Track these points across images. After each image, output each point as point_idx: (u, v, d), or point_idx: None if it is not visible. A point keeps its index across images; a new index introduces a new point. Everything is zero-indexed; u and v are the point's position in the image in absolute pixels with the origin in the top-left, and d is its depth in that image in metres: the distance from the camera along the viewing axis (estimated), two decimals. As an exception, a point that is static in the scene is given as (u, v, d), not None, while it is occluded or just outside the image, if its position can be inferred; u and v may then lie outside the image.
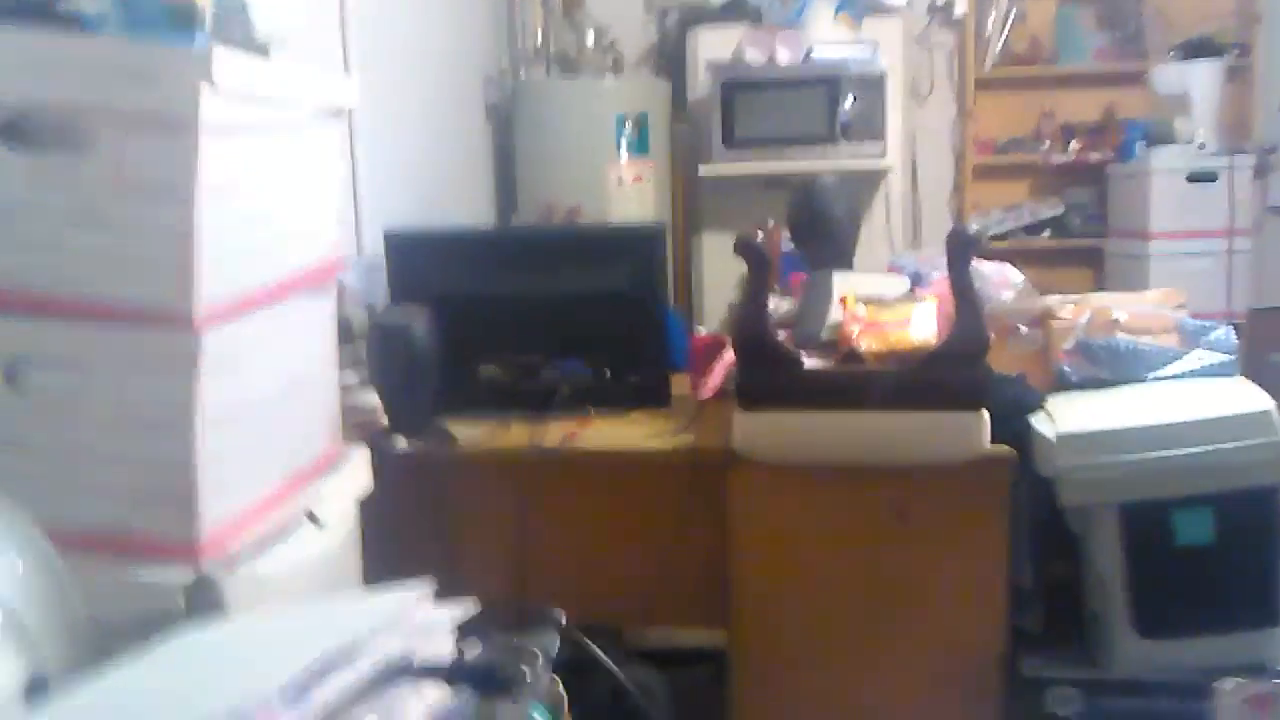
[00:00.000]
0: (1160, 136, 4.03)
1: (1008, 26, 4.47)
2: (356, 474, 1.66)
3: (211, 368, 1.26)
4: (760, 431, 1.75)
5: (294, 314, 1.49)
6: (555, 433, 1.92)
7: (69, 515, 1.22)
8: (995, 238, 4.47)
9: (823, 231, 1.99)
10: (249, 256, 1.36)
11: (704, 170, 3.85)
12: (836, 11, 3.86)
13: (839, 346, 1.76)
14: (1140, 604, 1.81)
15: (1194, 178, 3.92)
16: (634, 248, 2.11)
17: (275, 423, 1.45)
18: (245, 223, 1.34)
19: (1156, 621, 1.82)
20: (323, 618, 0.99)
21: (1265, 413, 1.78)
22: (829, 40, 3.81)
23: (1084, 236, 4.43)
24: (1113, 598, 1.83)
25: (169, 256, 1.23)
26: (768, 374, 1.73)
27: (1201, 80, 3.96)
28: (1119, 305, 1.97)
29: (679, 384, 2.15)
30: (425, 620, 0.86)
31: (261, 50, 1.73)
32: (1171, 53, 4.16)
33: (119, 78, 1.21)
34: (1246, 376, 3.86)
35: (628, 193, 3.79)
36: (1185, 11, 4.41)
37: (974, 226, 1.58)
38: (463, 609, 0.90)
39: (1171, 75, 4.03)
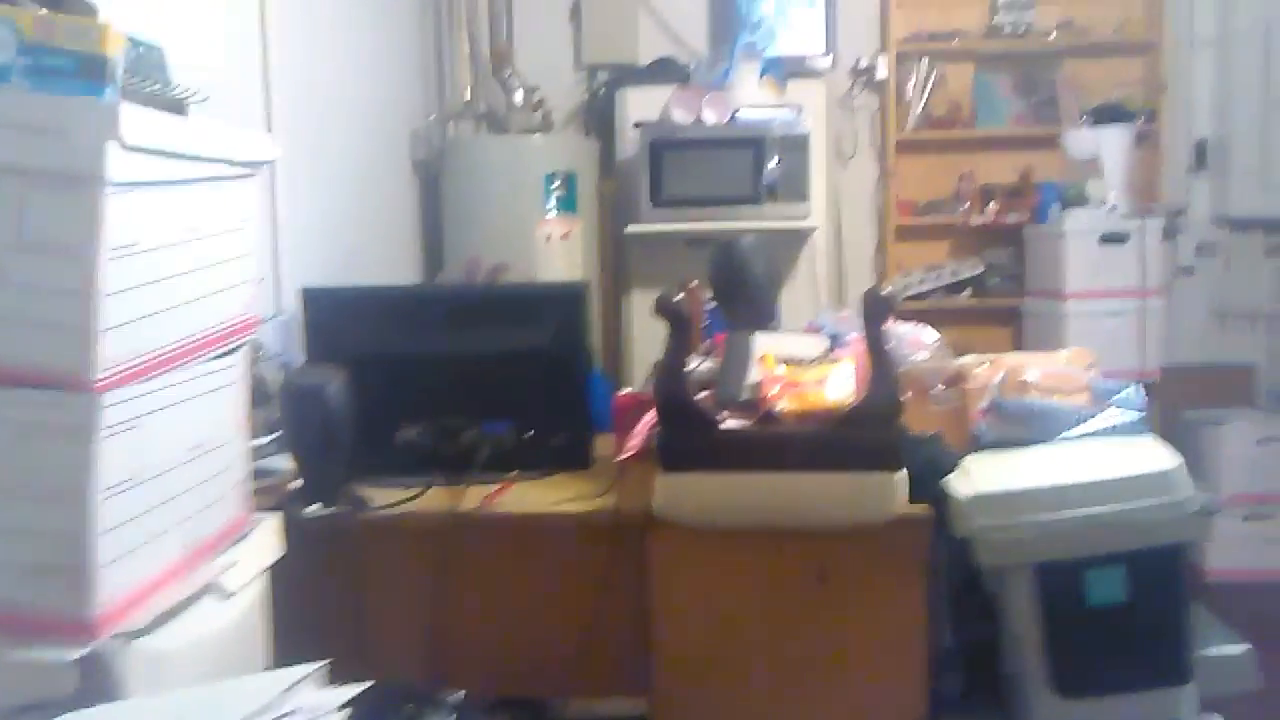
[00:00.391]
0: (1074, 199, 4.17)
1: (928, 91, 4.60)
2: (266, 542, 1.61)
3: (111, 433, 1.22)
4: (680, 493, 1.75)
5: (202, 376, 1.45)
6: (475, 496, 1.89)
7: (-46, 590, 1.16)
8: (917, 297, 4.57)
9: (743, 291, 2.01)
10: (154, 316, 1.32)
11: (632, 229, 3.88)
12: (761, 74, 3.95)
13: (758, 407, 1.76)
14: (1056, 664, 1.83)
15: (1106, 239, 4.05)
16: (557, 307, 2.10)
17: (179, 490, 1.41)
18: (151, 282, 1.31)
19: (1073, 681, 1.84)
20: (209, 703, 0.95)
21: (1173, 472, 1.82)
22: (754, 103, 3.89)
23: (1003, 296, 4.54)
24: (1030, 658, 1.84)
25: (69, 317, 1.19)
26: (687, 435, 1.73)
27: (1112, 145, 4.11)
28: (1031, 365, 2.02)
29: (604, 445, 2.13)
30: (313, 704, 0.83)
31: (178, 104, 1.70)
32: (1083, 118, 4.32)
33: (21, 132, 1.18)
34: (1160, 432, 3.96)
35: (556, 250, 3.79)
36: (1096, 79, 4.59)
37: (888, 288, 1.60)
38: (353, 690, 0.86)
39: (1084, 140, 4.18)
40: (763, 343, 1.89)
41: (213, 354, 1.47)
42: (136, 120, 1.20)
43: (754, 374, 1.82)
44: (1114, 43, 4.55)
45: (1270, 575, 3.78)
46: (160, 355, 1.32)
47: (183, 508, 1.42)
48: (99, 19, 1.35)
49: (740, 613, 1.82)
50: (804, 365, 1.80)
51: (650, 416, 1.90)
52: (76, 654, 1.18)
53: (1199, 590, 3.82)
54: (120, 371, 1.23)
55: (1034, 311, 4.40)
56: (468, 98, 4.06)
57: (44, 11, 1.25)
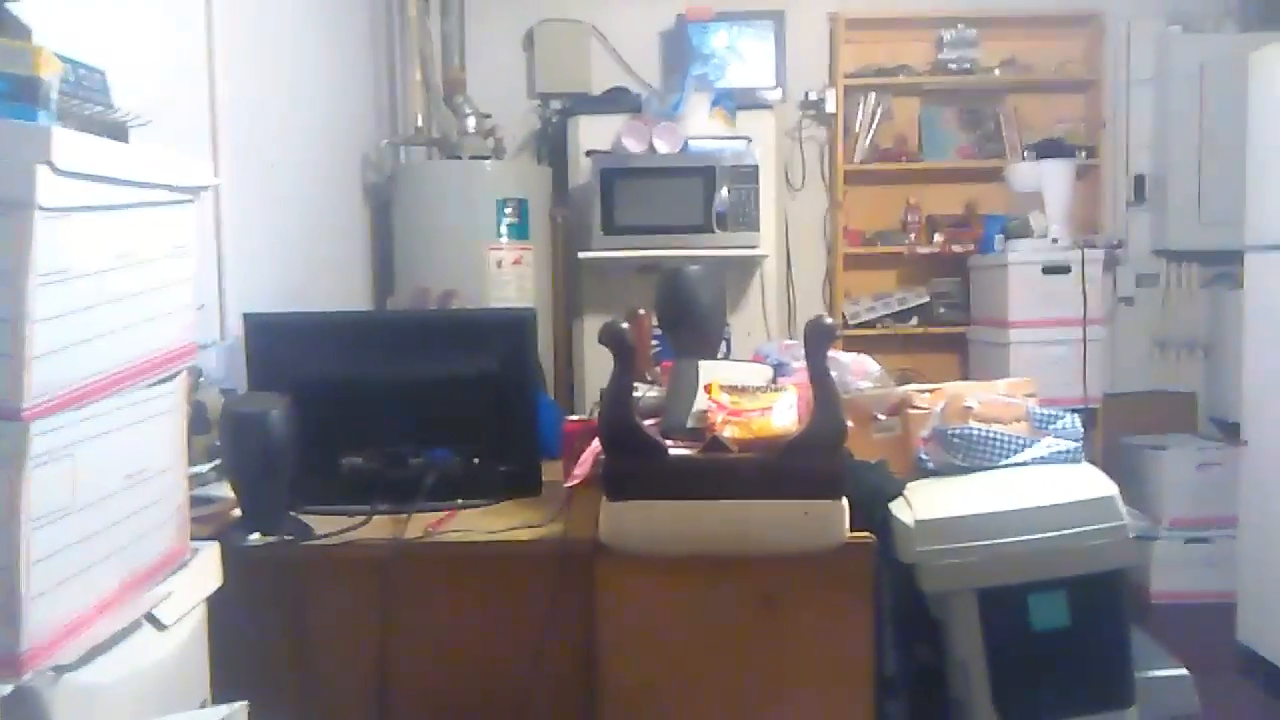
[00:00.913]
0: (1017, 230, 4.25)
1: (875, 123, 4.68)
2: (205, 571, 1.58)
3: (41, 462, 1.19)
4: (626, 521, 1.74)
5: (138, 403, 1.43)
6: (420, 524, 1.87)
7: None
8: (865, 324, 4.63)
9: (689, 319, 2.02)
10: (87, 343, 1.30)
11: (584, 255, 3.89)
12: (712, 106, 3.99)
13: (704, 435, 1.77)
14: (1000, 688, 1.85)
15: (1048, 269, 4.13)
16: (504, 333, 2.09)
17: (114, 519, 1.38)
18: (84, 308, 1.28)
19: (1017, 705, 1.86)
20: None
21: (1110, 498, 1.86)
22: (705, 133, 3.93)
23: (949, 324, 4.62)
24: (974, 683, 1.86)
25: (-3, 344, 1.16)
26: (633, 463, 1.73)
27: (1053, 179, 4.21)
28: (972, 394, 2.05)
29: (553, 471, 2.13)
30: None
31: (119, 128, 1.69)
32: (1026, 153, 4.43)
33: (-52, 155, 1.16)
34: (1103, 457, 4.06)
35: (507, 276, 3.79)
36: (1038, 115, 4.71)
37: (830, 319, 1.62)
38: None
39: (1026, 173, 4.28)
40: (708, 371, 1.89)
41: (149, 381, 1.45)
42: (69, 144, 1.18)
43: (700, 402, 1.83)
44: (1056, 80, 4.67)
45: (1210, 597, 3.85)
46: (93, 383, 1.30)
47: (117, 537, 1.39)
48: (33, 41, 1.33)
49: (686, 640, 1.81)
50: (749, 393, 1.81)
51: (597, 444, 1.90)
52: (4, 689, 1.15)
53: (1142, 613, 3.90)
54: (50, 400, 1.20)
55: (979, 339, 4.48)
56: (420, 124, 4.06)
57: (-24, 33, 1.23)
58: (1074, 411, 2.14)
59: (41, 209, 1.16)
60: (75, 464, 1.27)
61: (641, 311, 2.20)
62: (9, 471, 1.17)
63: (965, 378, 4.44)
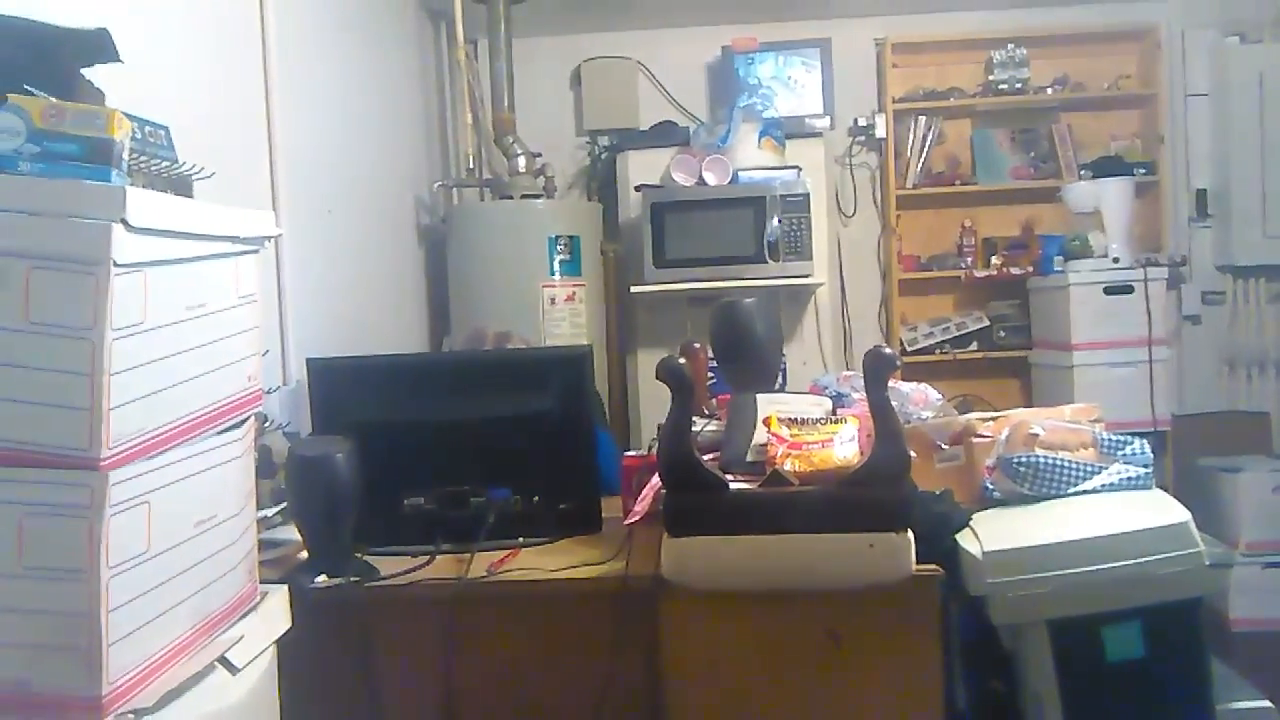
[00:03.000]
0: (1077, 251, 4.19)
1: (927, 147, 4.66)
2: (274, 614, 1.60)
3: (118, 510, 1.22)
4: (688, 557, 1.73)
5: (208, 450, 1.46)
6: (482, 564, 1.88)
7: (-40, 672, 1.16)
8: (923, 350, 4.58)
9: (745, 352, 2.01)
10: (160, 393, 1.33)
11: (636, 289, 3.91)
12: (761, 136, 4.00)
13: (764, 469, 1.76)
14: (1076, 721, 1.81)
15: (1110, 290, 4.06)
16: (560, 371, 2.10)
17: (187, 564, 1.40)
18: (157, 359, 1.32)
19: (1093, 739, 1.81)
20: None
21: (1183, 524, 1.81)
22: (755, 164, 3.94)
23: (1010, 348, 4.55)
24: (1048, 715, 1.82)
25: (75, 398, 1.20)
26: (693, 498, 1.72)
27: (1112, 197, 4.14)
28: (1037, 421, 2.01)
29: (612, 507, 2.13)
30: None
31: (185, 182, 1.74)
32: (1083, 171, 4.37)
33: (28, 217, 1.20)
34: (1175, 481, 3.95)
35: (561, 313, 3.82)
36: (1093, 132, 4.65)
37: (887, 349, 1.61)
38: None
39: (1083, 193, 4.22)
40: (766, 403, 1.89)
41: (219, 428, 1.48)
42: (142, 202, 1.22)
43: (759, 435, 1.82)
44: (1110, 97, 4.61)
45: (1293, 623, 3.72)
46: (166, 431, 1.33)
47: (190, 582, 1.41)
48: (106, 105, 1.38)
49: (752, 677, 1.79)
50: (808, 426, 1.80)
51: (656, 480, 1.89)
52: (85, 734, 1.17)
53: (1223, 641, 3.78)
54: (126, 449, 1.23)
55: (1042, 363, 4.41)
56: (471, 165, 4.13)
57: (54, 100, 1.28)
58: (1143, 435, 2.09)
59: (117, 265, 1.20)
60: (150, 511, 1.30)
61: (697, 345, 2.20)
62: (89, 520, 1.20)
63: (1028, 403, 4.37)
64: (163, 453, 1.32)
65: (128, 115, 1.37)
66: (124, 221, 1.20)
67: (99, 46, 1.45)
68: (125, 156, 1.35)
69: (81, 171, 1.26)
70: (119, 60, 1.44)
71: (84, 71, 1.44)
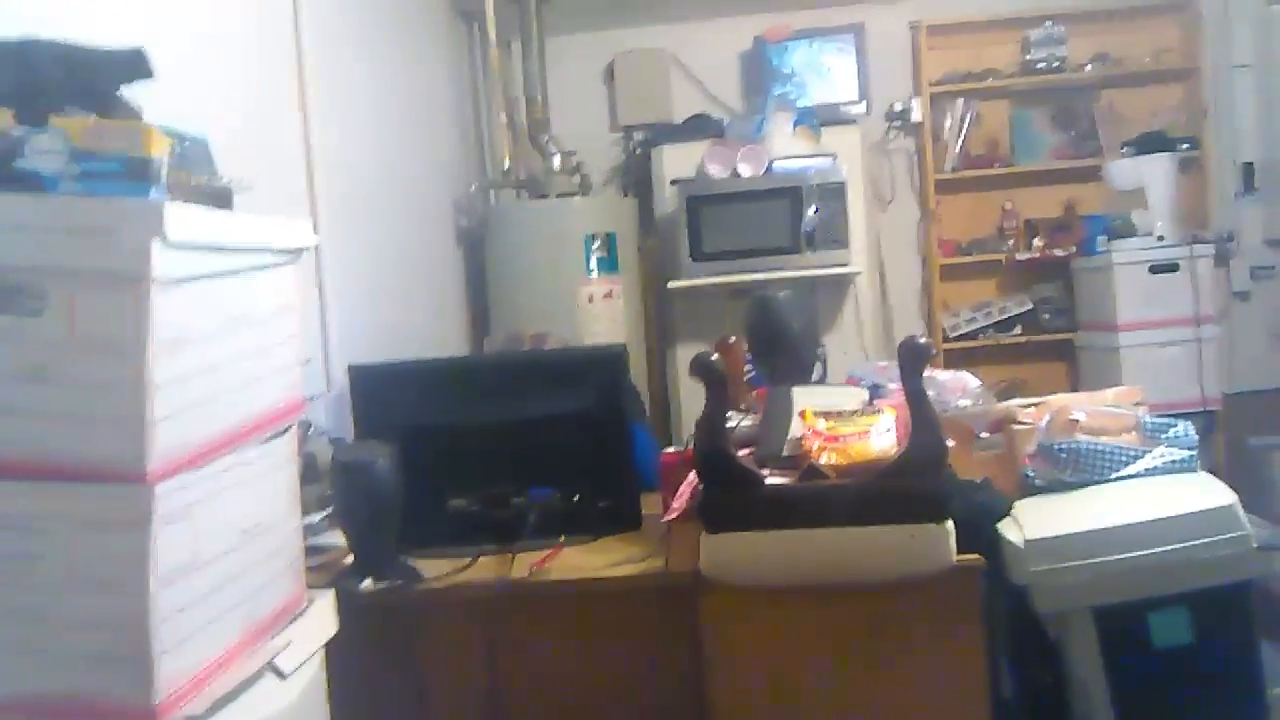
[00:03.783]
0: (1120, 230, 4.13)
1: (964, 130, 4.61)
2: (321, 619, 1.63)
3: (165, 522, 1.25)
4: (727, 553, 1.74)
5: (252, 459, 1.49)
6: (525, 563, 1.90)
7: (17, 682, 1.20)
8: (966, 336, 4.53)
9: (780, 345, 2.01)
10: (204, 406, 1.36)
11: (673, 284, 3.91)
12: (795, 125, 3.99)
13: (801, 462, 1.76)
14: (1123, 709, 1.79)
15: (1156, 269, 4.00)
16: (597, 370, 2.12)
17: (234, 573, 1.43)
18: (200, 372, 1.35)
19: (1142, 727, 1.79)
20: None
21: (1229, 507, 1.78)
22: (790, 153, 3.92)
23: (1054, 331, 4.49)
24: (1095, 704, 1.80)
25: (121, 412, 1.23)
26: (730, 494, 1.73)
27: (1155, 174, 4.07)
28: (1078, 406, 1.99)
29: (651, 503, 2.14)
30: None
31: (224, 194, 1.77)
32: (1124, 149, 4.30)
33: (70, 235, 1.23)
34: (1226, 460, 3.87)
35: (599, 310, 3.84)
36: (1134, 108, 4.57)
37: (922, 338, 1.60)
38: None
39: (1126, 170, 4.15)
40: (802, 397, 1.88)
41: (263, 437, 1.51)
42: (180, 217, 1.25)
43: (795, 429, 1.82)
44: (1151, 71, 4.53)
45: (1353, 605, 3.64)
46: (211, 443, 1.36)
47: (238, 590, 1.44)
48: (144, 122, 1.41)
49: (795, 671, 1.79)
50: (844, 418, 1.79)
51: (693, 476, 1.90)
52: (139, 741, 1.20)
53: (1276, 626, 3.70)
54: (173, 461, 1.26)
55: (1088, 345, 4.35)
56: (507, 165, 4.15)
57: (93, 119, 1.31)
58: (1192, 415, 2.06)
59: (156, 280, 1.23)
60: (197, 521, 1.33)
61: (732, 339, 2.20)
62: (137, 533, 1.23)
63: (1075, 386, 4.31)
64: (208, 464, 1.35)
65: (166, 129, 1.40)
66: (163, 237, 1.22)
67: (135, 65, 1.48)
68: (164, 172, 1.37)
69: (121, 189, 1.29)
70: (152, 77, 1.46)
71: (122, 90, 1.47)
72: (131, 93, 1.48)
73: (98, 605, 1.23)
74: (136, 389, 1.22)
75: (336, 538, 1.95)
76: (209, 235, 1.37)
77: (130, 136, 1.31)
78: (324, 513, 2.03)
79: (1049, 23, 4.47)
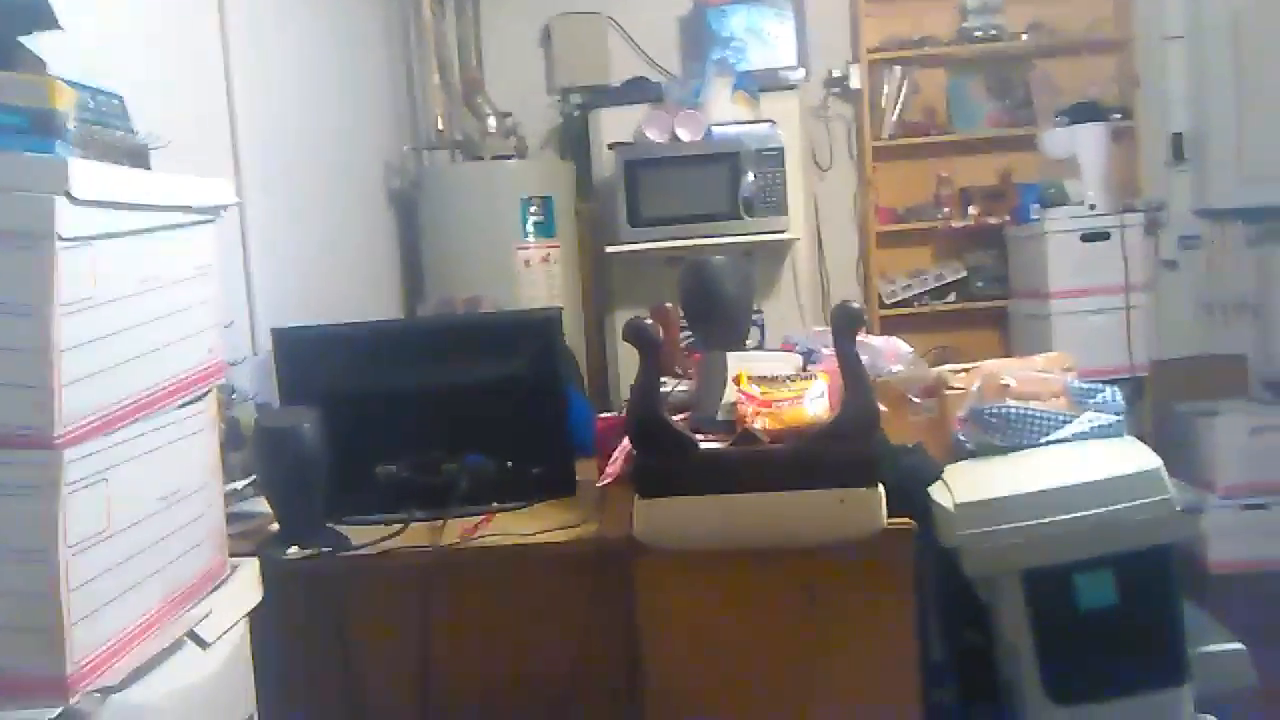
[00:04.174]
0: (1054, 199, 4.18)
1: (902, 97, 4.62)
2: (245, 587, 1.60)
3: (76, 489, 1.21)
4: (661, 518, 1.73)
5: (169, 425, 1.44)
6: (456, 530, 1.88)
7: (-79, 656, 1.15)
8: (902, 303, 4.57)
9: (715, 311, 2.00)
10: (115, 369, 1.31)
11: (611, 249, 3.88)
12: (734, 90, 3.96)
13: (735, 427, 1.75)
14: (1050, 670, 1.82)
15: (1087, 237, 4.06)
16: (530, 334, 2.09)
17: (152, 540, 1.39)
18: (110, 334, 1.30)
19: (1068, 687, 1.83)
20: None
21: (1153, 471, 1.82)
22: (728, 119, 3.90)
23: (988, 299, 4.55)
24: (1023, 665, 1.83)
25: (26, 376, 1.18)
26: (663, 459, 1.72)
27: (1088, 143, 4.13)
28: (1008, 371, 2.01)
29: (587, 470, 2.12)
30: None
31: (139, 150, 1.70)
32: (1058, 118, 4.34)
33: (-32, 192, 1.17)
34: (1154, 426, 3.97)
35: (536, 275, 3.80)
36: (1069, 78, 4.61)
37: (855, 304, 1.60)
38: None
39: (1060, 139, 4.20)
40: (737, 362, 1.88)
41: (179, 402, 1.46)
42: (86, 174, 1.19)
43: (729, 394, 1.81)
44: (1085, 41, 4.57)
45: (1272, 565, 3.76)
46: (123, 407, 1.31)
47: (156, 558, 1.40)
48: (47, 74, 1.35)
49: (728, 635, 1.80)
50: (779, 383, 1.79)
51: (627, 441, 1.89)
52: (52, 713, 1.16)
53: (1201, 585, 3.82)
54: (82, 427, 1.21)
55: (1020, 312, 4.41)
56: (441, 127, 4.07)
57: (-10, 70, 1.24)
58: (1121, 381, 2.10)
59: (61, 239, 1.18)
60: (110, 488, 1.28)
61: (668, 305, 2.18)
62: (45, 500, 1.18)
63: (1007, 353, 4.37)
64: (120, 429, 1.30)
65: (77, 84, 1.34)
66: (68, 194, 1.17)
67: (38, 13, 1.41)
68: (70, 127, 1.31)
69: (24, 144, 1.23)
70: (59, 27, 1.40)
71: (23, 40, 1.40)
72: (36, 44, 1.41)
73: (6, 574, 1.19)
74: (42, 352, 1.17)
75: (261, 505, 1.90)
76: (118, 193, 1.31)
77: (32, 89, 1.26)
78: (249, 480, 1.99)
79: (986, -9, 4.50)
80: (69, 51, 1.46)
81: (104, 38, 1.97)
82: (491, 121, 3.95)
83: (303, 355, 2.00)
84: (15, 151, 1.21)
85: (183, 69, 2.39)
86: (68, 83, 1.29)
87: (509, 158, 3.94)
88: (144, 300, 1.38)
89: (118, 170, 1.39)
